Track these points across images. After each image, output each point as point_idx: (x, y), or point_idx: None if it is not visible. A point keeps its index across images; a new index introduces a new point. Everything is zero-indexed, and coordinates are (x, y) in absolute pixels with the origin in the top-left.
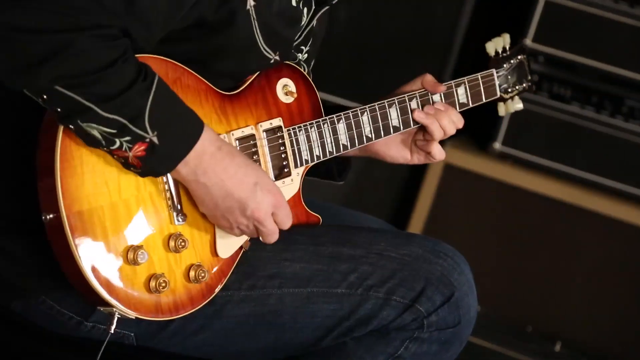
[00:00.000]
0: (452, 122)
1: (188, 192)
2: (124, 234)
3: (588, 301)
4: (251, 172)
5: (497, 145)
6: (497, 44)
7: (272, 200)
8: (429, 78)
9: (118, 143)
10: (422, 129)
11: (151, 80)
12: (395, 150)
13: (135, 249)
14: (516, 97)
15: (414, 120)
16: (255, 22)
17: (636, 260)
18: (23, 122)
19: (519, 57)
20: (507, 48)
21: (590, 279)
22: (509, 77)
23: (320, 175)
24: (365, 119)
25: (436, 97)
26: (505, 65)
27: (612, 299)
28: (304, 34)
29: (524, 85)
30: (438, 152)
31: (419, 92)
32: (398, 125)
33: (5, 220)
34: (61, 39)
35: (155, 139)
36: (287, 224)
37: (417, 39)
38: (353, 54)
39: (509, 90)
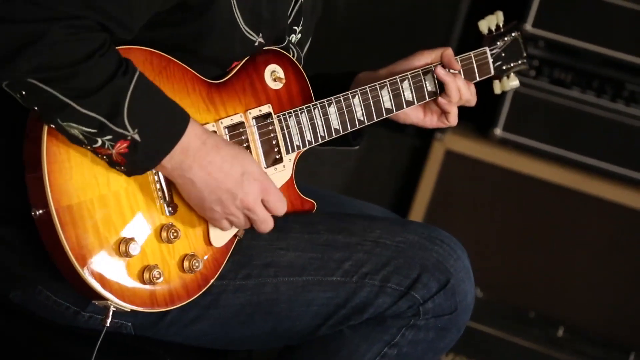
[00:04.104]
0: (468, 89)
1: None
2: (114, 226)
3: (590, 286)
4: (237, 163)
5: (498, 131)
6: (490, 22)
7: (260, 187)
8: (450, 52)
9: (100, 142)
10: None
11: (131, 76)
12: (409, 109)
13: (127, 241)
14: (512, 75)
15: (437, 77)
16: (235, 1)
17: (638, 245)
18: (22, 113)
19: (513, 34)
20: (501, 25)
21: (592, 264)
22: (504, 54)
23: (335, 144)
24: (356, 101)
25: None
26: (499, 43)
27: (614, 283)
28: (294, 13)
29: (519, 62)
30: (453, 116)
31: (410, 74)
32: (390, 108)
33: (5, 211)
34: (34, 29)
35: (136, 137)
36: (279, 209)
37: (418, 23)
38: (354, 38)
39: (504, 67)
